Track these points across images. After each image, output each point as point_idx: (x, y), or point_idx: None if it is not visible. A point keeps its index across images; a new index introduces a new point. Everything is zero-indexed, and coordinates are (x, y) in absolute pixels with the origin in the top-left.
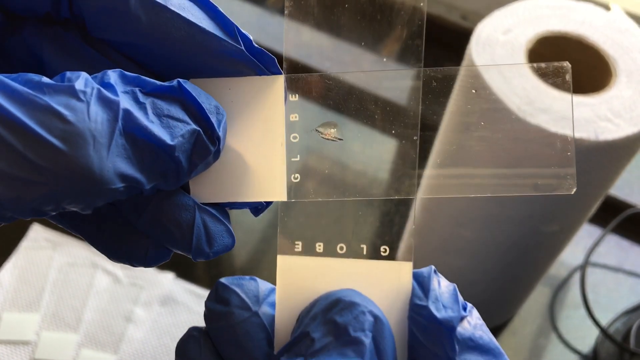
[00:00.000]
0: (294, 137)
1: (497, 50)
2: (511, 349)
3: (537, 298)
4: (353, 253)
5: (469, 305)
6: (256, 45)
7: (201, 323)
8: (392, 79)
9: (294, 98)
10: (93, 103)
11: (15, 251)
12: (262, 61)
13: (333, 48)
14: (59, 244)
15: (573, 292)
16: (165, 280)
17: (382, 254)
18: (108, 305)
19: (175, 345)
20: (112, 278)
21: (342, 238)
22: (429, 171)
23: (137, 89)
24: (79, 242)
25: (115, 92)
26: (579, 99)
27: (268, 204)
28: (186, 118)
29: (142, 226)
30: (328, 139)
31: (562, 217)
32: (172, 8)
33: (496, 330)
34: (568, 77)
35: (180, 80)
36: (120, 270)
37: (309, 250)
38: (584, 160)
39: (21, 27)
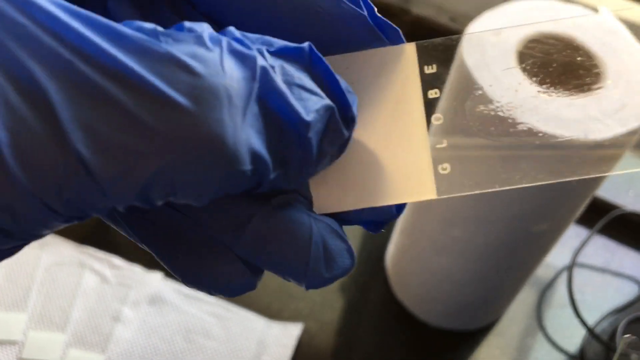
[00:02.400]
0: (437, 119)
1: (488, 50)
2: (499, 349)
3: (525, 298)
4: None
5: None
6: (379, 15)
7: (190, 323)
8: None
9: (430, 70)
10: (226, 55)
11: None
12: (385, 33)
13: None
14: (47, 243)
15: (560, 292)
16: (153, 280)
17: None
18: (96, 305)
19: (163, 345)
20: (100, 278)
21: None
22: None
23: (264, 48)
24: (66, 241)
25: (248, 47)
26: (569, 99)
27: (399, 212)
28: (319, 91)
29: (241, 247)
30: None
31: (551, 217)
32: None
33: (484, 331)
34: None
35: (310, 44)
36: (108, 269)
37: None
38: (574, 159)
39: None
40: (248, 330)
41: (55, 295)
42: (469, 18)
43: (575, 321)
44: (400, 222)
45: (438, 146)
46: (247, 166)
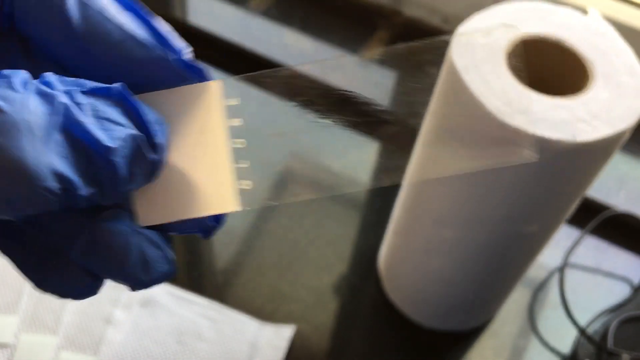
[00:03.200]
0: (241, 143)
1: (477, 52)
2: (491, 350)
3: (517, 299)
4: None
5: None
6: (185, 59)
7: (183, 325)
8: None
9: (233, 102)
10: (31, 95)
11: None
12: (191, 71)
13: (315, 50)
14: None
15: (552, 293)
16: None
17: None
18: (87, 307)
19: (156, 348)
20: None
21: None
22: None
23: (76, 89)
24: None
25: (53, 88)
26: (557, 101)
27: (219, 222)
28: (126, 122)
29: (75, 255)
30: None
31: (540, 217)
32: (105, 13)
33: (476, 332)
34: None
35: (122, 84)
36: None
37: None
38: (562, 161)
39: None
40: (240, 333)
41: (46, 297)
42: (460, 19)
43: (567, 322)
44: (393, 224)
45: (240, 166)
46: (50, 183)
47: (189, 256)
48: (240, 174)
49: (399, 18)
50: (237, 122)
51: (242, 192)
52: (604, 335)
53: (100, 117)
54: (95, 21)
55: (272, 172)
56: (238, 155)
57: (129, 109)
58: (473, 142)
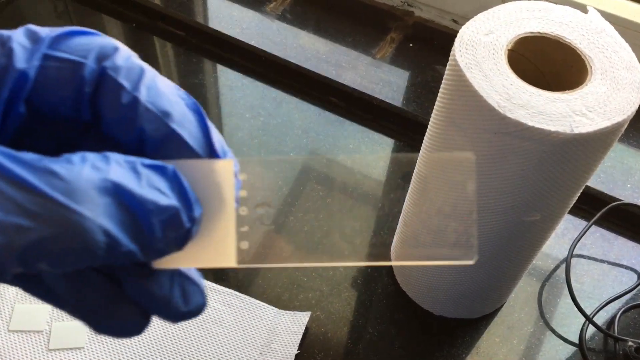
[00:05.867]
0: (243, 210)
1: (479, 50)
2: (500, 337)
3: (525, 288)
4: None
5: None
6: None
7: (205, 312)
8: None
9: (243, 177)
10: (85, 166)
11: None
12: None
13: (329, 51)
14: None
15: (560, 282)
16: None
17: None
18: None
19: (179, 333)
20: None
21: None
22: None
23: (138, 161)
24: None
25: (107, 161)
26: (556, 95)
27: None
28: (171, 195)
29: (129, 288)
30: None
31: (543, 207)
32: (173, 125)
33: (486, 319)
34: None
35: (175, 168)
36: None
37: None
38: (561, 152)
39: (43, 126)
40: (259, 319)
41: None
42: (470, 20)
43: (575, 310)
44: (403, 216)
45: (242, 229)
46: (100, 237)
47: None
48: (241, 236)
49: (410, 19)
50: (243, 193)
51: (240, 251)
52: (611, 323)
53: (152, 186)
54: (161, 127)
55: (267, 238)
56: (241, 220)
57: (177, 185)
58: (475, 134)
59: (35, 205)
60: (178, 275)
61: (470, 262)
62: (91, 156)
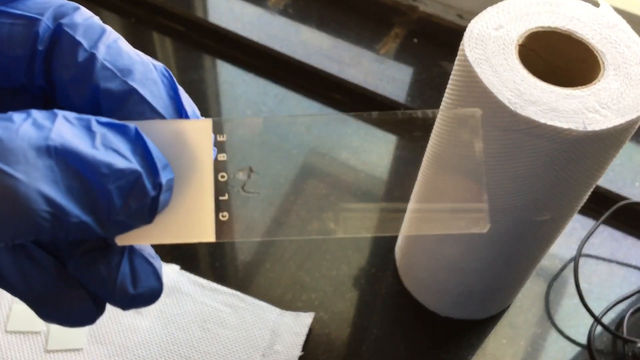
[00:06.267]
0: (222, 177)
1: (489, 45)
2: (507, 338)
3: (533, 289)
4: None
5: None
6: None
7: (206, 313)
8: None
9: (221, 138)
10: (25, 124)
11: None
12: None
13: (332, 46)
14: None
15: (567, 283)
16: (170, 272)
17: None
18: None
19: (180, 334)
20: None
21: None
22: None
23: (93, 119)
24: None
25: (53, 118)
26: (568, 91)
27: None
28: (132, 158)
29: (71, 267)
30: (244, 190)
31: (553, 207)
32: (133, 84)
33: (492, 320)
34: (475, 122)
35: (137, 127)
36: None
37: None
38: (573, 150)
39: None
40: (262, 320)
41: None
42: (475, 15)
43: (583, 311)
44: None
45: (221, 197)
46: (41, 206)
47: (212, 247)
48: (220, 206)
49: (414, 14)
50: (222, 157)
51: (219, 223)
52: (619, 324)
53: (108, 147)
54: (120, 86)
55: (249, 208)
56: (220, 188)
57: (140, 147)
58: (485, 131)
59: None
60: (128, 252)
61: (483, 231)
62: (37, 114)
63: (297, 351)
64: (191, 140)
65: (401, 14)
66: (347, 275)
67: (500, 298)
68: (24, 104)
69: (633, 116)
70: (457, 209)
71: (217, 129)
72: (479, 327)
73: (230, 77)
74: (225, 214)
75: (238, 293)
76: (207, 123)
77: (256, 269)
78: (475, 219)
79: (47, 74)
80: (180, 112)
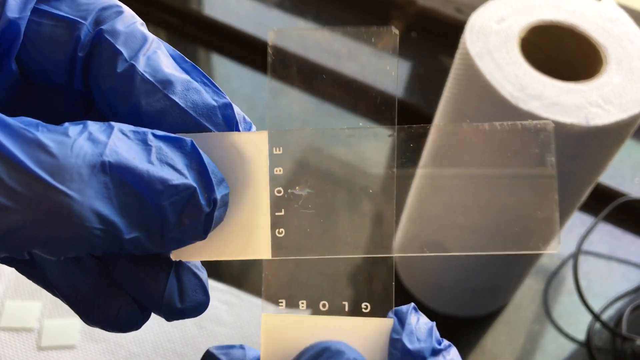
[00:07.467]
0: (279, 192)
1: (491, 38)
2: (506, 335)
3: (531, 285)
4: (336, 310)
5: (446, 342)
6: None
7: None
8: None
9: (278, 151)
10: (80, 139)
11: None
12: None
13: (329, 40)
14: None
15: (566, 279)
16: None
17: (364, 310)
18: None
19: (175, 331)
20: None
21: (324, 295)
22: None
23: (149, 132)
24: None
25: (109, 132)
26: (570, 85)
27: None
28: (187, 173)
29: (117, 275)
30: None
31: None
32: (174, 97)
33: (491, 317)
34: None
35: (193, 141)
36: None
37: (292, 308)
38: (575, 145)
39: (38, 96)
40: (258, 317)
41: None
42: (474, 9)
43: (582, 308)
44: (407, 212)
45: (277, 214)
46: (94, 224)
47: None
48: (277, 223)
49: (412, 8)
50: (278, 171)
51: (276, 239)
52: (618, 321)
53: (163, 162)
54: (161, 100)
55: (305, 225)
56: (276, 203)
57: (195, 162)
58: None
59: (17, 183)
60: (175, 264)
61: (554, 252)
62: (93, 126)
63: None
64: (247, 154)
65: (399, 8)
66: (344, 272)
67: (499, 295)
68: (64, 103)
69: (636, 111)
70: (524, 228)
71: (273, 141)
72: (477, 325)
73: (225, 71)
74: (282, 230)
75: (234, 289)
76: (263, 135)
77: (252, 266)
78: (545, 238)
79: (86, 80)
80: (230, 121)
